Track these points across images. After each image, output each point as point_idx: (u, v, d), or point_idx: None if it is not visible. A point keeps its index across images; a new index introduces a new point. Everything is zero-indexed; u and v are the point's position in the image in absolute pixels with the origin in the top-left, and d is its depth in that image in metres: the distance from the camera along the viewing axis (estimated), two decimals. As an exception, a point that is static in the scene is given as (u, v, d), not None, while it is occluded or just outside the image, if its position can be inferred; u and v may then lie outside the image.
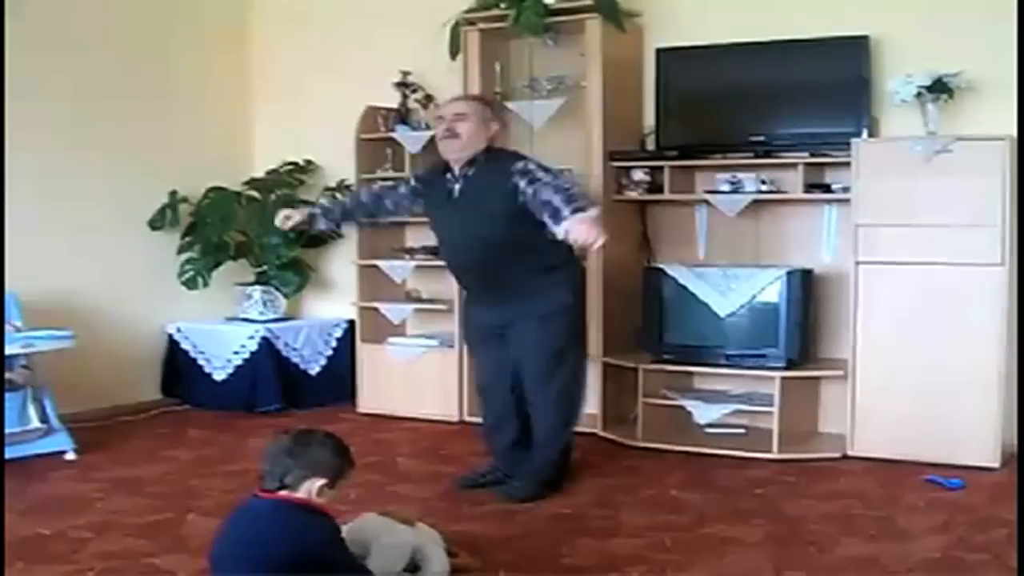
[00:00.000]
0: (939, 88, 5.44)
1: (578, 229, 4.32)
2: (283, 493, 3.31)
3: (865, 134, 5.67)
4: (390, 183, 5.60)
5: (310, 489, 3.33)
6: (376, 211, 5.51)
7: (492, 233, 4.82)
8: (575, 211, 4.44)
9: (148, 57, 7.25)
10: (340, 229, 6.32)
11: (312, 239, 7.34)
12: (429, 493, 5.09)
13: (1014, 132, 5.36)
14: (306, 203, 6.43)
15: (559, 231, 4.45)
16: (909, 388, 5.44)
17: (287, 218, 5.30)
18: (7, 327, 5.93)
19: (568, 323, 5.04)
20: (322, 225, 5.53)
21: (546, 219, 4.58)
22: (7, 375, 5.70)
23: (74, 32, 6.77)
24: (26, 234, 6.46)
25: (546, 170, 4.83)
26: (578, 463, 5.50)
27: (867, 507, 4.76)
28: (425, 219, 5.49)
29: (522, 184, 4.74)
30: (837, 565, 4.06)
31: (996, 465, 5.31)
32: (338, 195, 6.81)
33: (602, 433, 6.12)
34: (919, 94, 5.47)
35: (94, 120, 6.90)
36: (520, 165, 4.84)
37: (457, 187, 4.97)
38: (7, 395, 5.65)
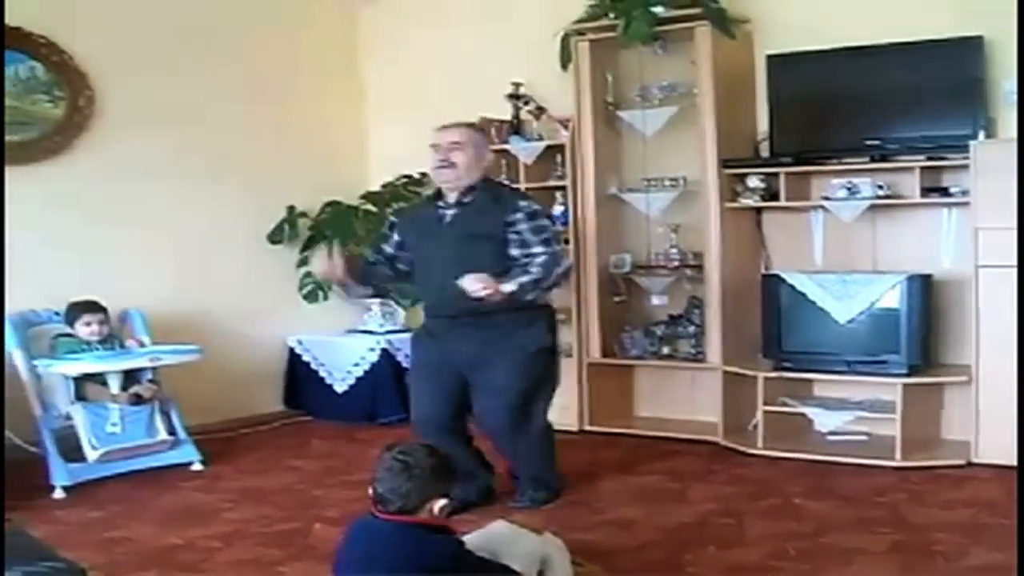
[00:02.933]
0: (1059, 87, 5.35)
1: (466, 284, 4.57)
2: (403, 516, 3.31)
3: (982, 135, 5.57)
4: (376, 249, 5.33)
5: (431, 509, 3.35)
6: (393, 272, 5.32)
7: (480, 261, 4.76)
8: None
9: (269, 78, 7.42)
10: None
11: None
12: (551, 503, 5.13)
13: None
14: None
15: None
16: (1034, 393, 5.34)
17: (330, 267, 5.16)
18: (133, 343, 6.10)
19: (545, 364, 5.09)
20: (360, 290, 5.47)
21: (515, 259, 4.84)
22: (135, 389, 5.86)
23: (203, 56, 7.00)
24: (153, 253, 6.70)
25: (534, 217, 4.94)
26: (698, 472, 5.52)
27: (995, 515, 4.67)
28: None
29: (524, 227, 4.87)
30: (966, 575, 4.01)
31: (1125, 470, 5.20)
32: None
33: (722, 441, 6.10)
34: (1037, 93, 5.39)
35: (213, 138, 7.07)
36: (526, 206, 4.94)
37: (450, 213, 4.98)
38: (135, 408, 5.82)
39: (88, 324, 5.91)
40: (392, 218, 5.42)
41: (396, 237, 5.20)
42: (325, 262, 5.24)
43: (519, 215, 4.88)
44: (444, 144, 4.95)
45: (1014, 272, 5.30)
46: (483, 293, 4.56)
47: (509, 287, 4.67)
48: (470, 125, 5.30)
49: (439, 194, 5.08)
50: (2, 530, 4.55)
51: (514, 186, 5.84)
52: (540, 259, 4.83)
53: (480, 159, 4.99)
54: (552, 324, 5.17)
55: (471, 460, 5.14)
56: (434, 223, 5.01)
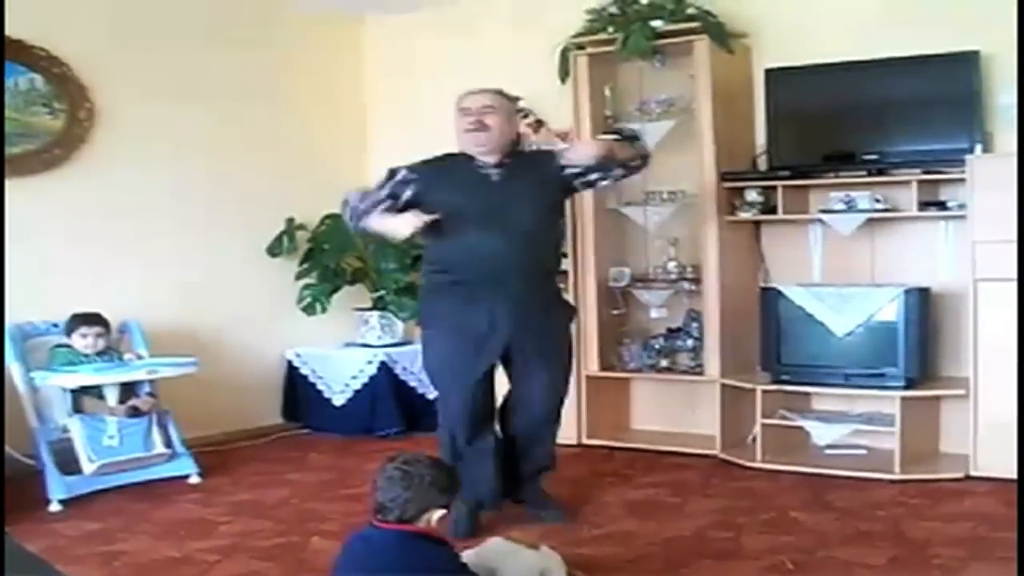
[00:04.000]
0: (1056, 101, 5.36)
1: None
2: (403, 525, 3.34)
3: (979, 149, 5.59)
4: (373, 195, 4.87)
5: (429, 519, 3.37)
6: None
7: (535, 222, 4.67)
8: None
9: (269, 91, 7.44)
10: None
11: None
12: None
13: None
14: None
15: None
16: (1033, 406, 5.34)
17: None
18: (131, 356, 6.10)
19: (568, 364, 5.02)
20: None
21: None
22: (133, 401, 5.86)
23: (203, 70, 7.03)
24: (151, 264, 6.70)
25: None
26: (696, 485, 5.51)
27: (994, 529, 4.67)
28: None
29: (567, 161, 4.80)
30: (965, 589, 4.01)
31: (1124, 483, 5.20)
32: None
33: (721, 454, 6.10)
34: (1034, 107, 5.41)
35: (212, 150, 7.10)
36: (559, 152, 4.89)
37: (495, 172, 4.73)
38: (132, 421, 5.80)
39: (85, 336, 5.90)
40: (406, 171, 4.85)
41: (409, 194, 4.75)
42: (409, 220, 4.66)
43: (558, 157, 4.84)
44: (475, 108, 4.73)
45: (1011, 285, 5.31)
46: (593, 147, 4.53)
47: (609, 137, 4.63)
48: (501, 91, 4.94)
49: (466, 156, 4.79)
50: (2, 537, 4.57)
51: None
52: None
53: (511, 124, 4.83)
54: (573, 317, 5.20)
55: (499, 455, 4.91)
56: (477, 183, 4.72)
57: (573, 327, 5.15)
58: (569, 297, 6.18)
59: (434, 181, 4.77)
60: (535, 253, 4.73)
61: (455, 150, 4.87)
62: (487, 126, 4.68)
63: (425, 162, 4.87)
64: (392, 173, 4.85)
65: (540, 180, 4.77)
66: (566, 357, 5.00)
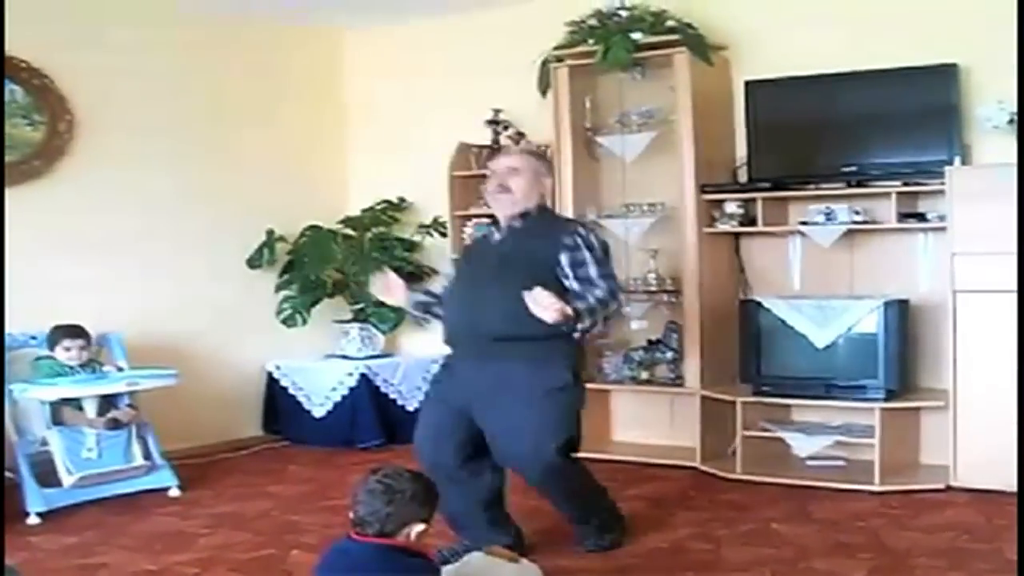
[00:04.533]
0: (1032, 114, 5.39)
1: (536, 296, 4.18)
2: (381, 538, 3.33)
3: (958, 162, 5.61)
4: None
5: (408, 534, 3.35)
6: None
7: (517, 284, 4.28)
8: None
9: (250, 102, 7.44)
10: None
11: (408, 275, 7.43)
12: (529, 528, 5.07)
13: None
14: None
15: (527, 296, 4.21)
16: (1011, 417, 5.32)
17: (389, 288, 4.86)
18: (111, 368, 6.08)
19: (559, 402, 4.52)
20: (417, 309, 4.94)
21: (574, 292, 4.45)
22: (113, 414, 5.83)
23: (183, 82, 7.04)
24: (131, 276, 6.69)
25: (592, 248, 4.54)
26: (677, 497, 5.51)
27: (974, 539, 4.69)
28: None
29: (564, 260, 4.49)
30: (945, 599, 4.02)
31: (1103, 495, 5.22)
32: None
33: (701, 466, 6.11)
34: (1012, 120, 5.42)
35: (194, 162, 7.10)
36: (570, 240, 4.52)
37: (497, 237, 4.72)
38: (112, 433, 5.78)
39: (68, 349, 5.87)
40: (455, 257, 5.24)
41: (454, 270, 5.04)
42: (384, 284, 4.91)
43: (578, 239, 4.53)
44: (500, 170, 4.71)
45: (990, 297, 5.34)
46: (548, 313, 4.16)
47: (576, 306, 4.30)
48: (531, 151, 5.10)
49: (495, 221, 4.88)
50: (2, 533, 4.56)
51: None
52: (599, 291, 4.43)
53: (538, 185, 4.70)
54: (572, 361, 4.61)
55: (483, 515, 4.67)
56: (483, 246, 4.88)
57: (566, 395, 4.58)
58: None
59: (463, 254, 5.21)
60: (509, 319, 4.36)
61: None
62: (510, 189, 4.64)
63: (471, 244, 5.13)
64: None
65: (535, 253, 4.53)
66: (544, 421, 4.48)
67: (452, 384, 4.64)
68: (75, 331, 5.94)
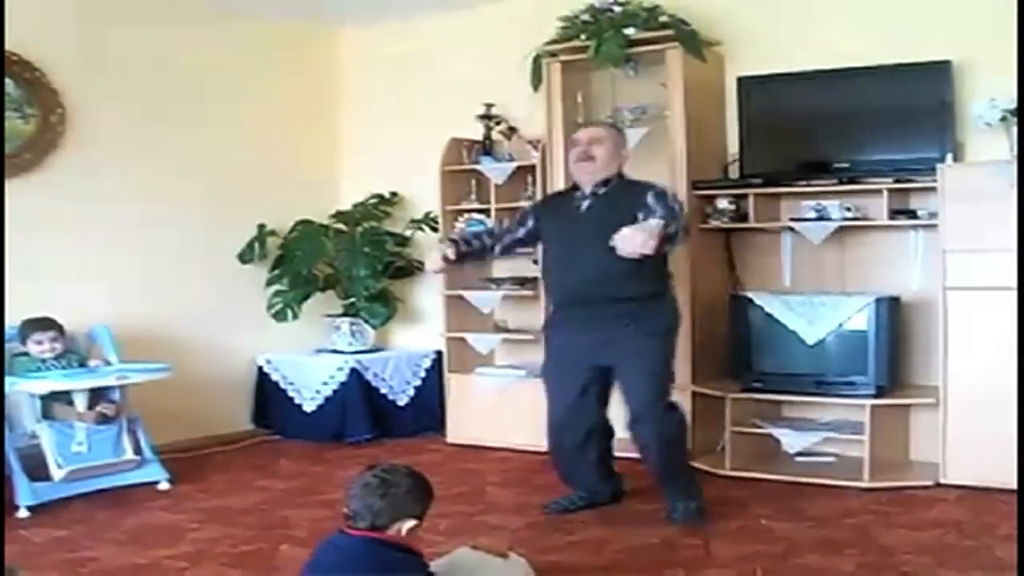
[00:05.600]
0: (1024, 111, 5.39)
1: (623, 236, 4.57)
2: (372, 532, 3.34)
3: (950, 159, 5.61)
4: (508, 228, 5.50)
5: (400, 528, 3.36)
6: (504, 250, 5.51)
7: (604, 250, 4.73)
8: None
9: (241, 97, 7.44)
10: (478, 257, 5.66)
11: (399, 270, 7.45)
12: (519, 523, 5.11)
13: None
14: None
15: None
16: (1001, 414, 5.33)
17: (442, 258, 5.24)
18: (97, 362, 6.06)
19: (668, 346, 5.08)
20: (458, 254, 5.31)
21: None
22: (100, 408, 5.82)
23: (175, 75, 7.03)
24: (122, 270, 6.68)
25: (661, 195, 4.95)
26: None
27: (962, 536, 4.69)
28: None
29: (650, 199, 4.89)
30: (933, 596, 4.02)
31: (1092, 492, 5.23)
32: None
33: (690, 462, 6.10)
34: (1004, 118, 5.41)
35: (185, 156, 7.08)
36: (648, 197, 4.93)
37: (586, 203, 5.09)
38: (101, 427, 5.78)
39: (39, 343, 5.85)
40: (531, 207, 5.57)
41: (531, 224, 5.34)
42: (435, 259, 5.29)
43: (648, 195, 4.93)
44: (584, 140, 5.12)
45: (981, 294, 5.34)
46: (638, 244, 4.53)
47: (654, 223, 4.64)
48: (612, 125, 5.53)
49: (575, 187, 5.22)
50: (3, 528, 4.55)
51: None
52: (661, 210, 4.83)
53: (617, 155, 5.13)
54: (676, 306, 5.21)
55: (606, 463, 5.38)
56: (572, 212, 5.13)
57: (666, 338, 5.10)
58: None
59: (547, 214, 5.33)
60: (609, 273, 4.84)
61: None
62: (593, 156, 5.08)
63: (547, 196, 5.73)
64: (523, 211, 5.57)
65: (621, 213, 4.86)
66: (655, 361, 5.01)
67: (576, 343, 5.09)
68: (45, 324, 5.91)
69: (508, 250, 5.52)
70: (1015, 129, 5.42)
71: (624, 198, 4.99)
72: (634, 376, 5.00)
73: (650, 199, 4.91)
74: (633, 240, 4.55)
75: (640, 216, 4.82)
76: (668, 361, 5.08)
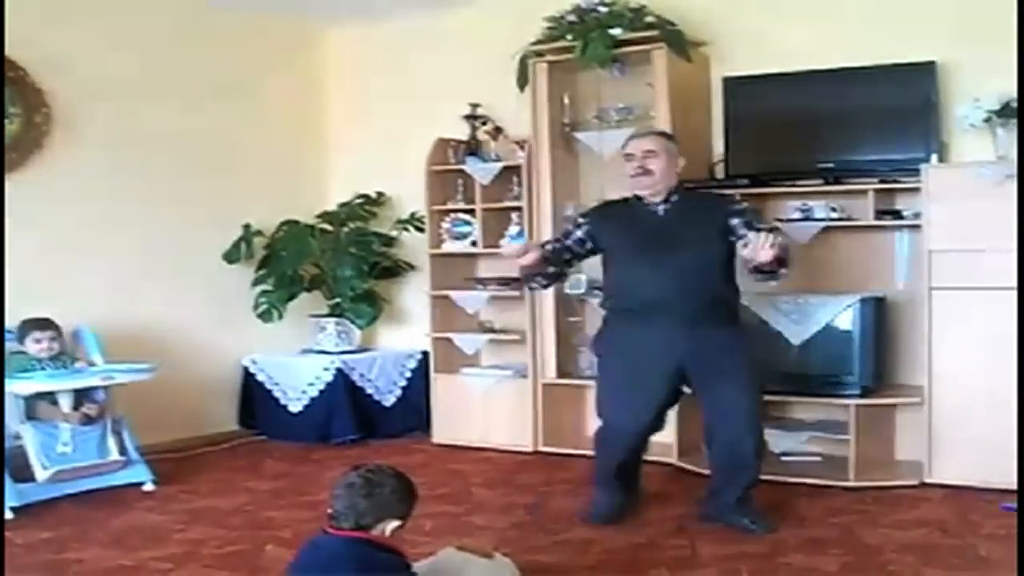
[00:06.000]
0: (1008, 112, 5.40)
1: (754, 241, 4.53)
2: (356, 532, 3.34)
3: (935, 159, 5.63)
4: (559, 241, 5.23)
5: (383, 529, 3.36)
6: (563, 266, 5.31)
7: (701, 256, 4.84)
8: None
9: (228, 98, 7.41)
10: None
11: (385, 270, 7.44)
12: (504, 523, 5.10)
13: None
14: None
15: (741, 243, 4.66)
16: (986, 414, 5.37)
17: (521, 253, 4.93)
18: (82, 362, 6.04)
19: (750, 353, 5.02)
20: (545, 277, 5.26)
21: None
22: (85, 409, 5.81)
23: (161, 75, 7.00)
24: (107, 270, 6.66)
25: (745, 210, 4.99)
26: (652, 492, 5.50)
27: (947, 536, 4.71)
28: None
29: (736, 222, 4.85)
30: (917, 595, 4.03)
31: (1075, 491, 5.25)
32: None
33: (677, 462, 6.12)
34: (988, 119, 5.44)
35: (172, 156, 7.06)
36: (734, 206, 4.98)
37: (662, 208, 4.96)
38: (86, 428, 5.77)
39: (38, 341, 5.84)
40: (580, 216, 5.31)
41: (580, 234, 5.11)
42: (519, 248, 5.00)
43: (732, 217, 4.88)
44: (638, 153, 4.96)
45: (966, 294, 5.35)
46: (767, 252, 4.51)
47: (774, 237, 4.58)
48: (661, 133, 5.28)
49: (637, 197, 5.03)
50: (2, 523, 4.53)
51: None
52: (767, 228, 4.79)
53: (674, 165, 4.99)
54: (744, 322, 5.25)
55: (638, 471, 5.29)
56: (644, 217, 4.98)
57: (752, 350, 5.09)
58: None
59: (603, 220, 5.12)
60: (700, 281, 4.84)
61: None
62: (650, 171, 4.92)
63: (597, 206, 5.39)
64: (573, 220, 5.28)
65: (705, 220, 4.90)
66: (747, 373, 4.94)
67: (652, 351, 4.85)
68: (44, 323, 5.91)
69: (561, 263, 5.20)
70: (1000, 130, 5.46)
71: (701, 209, 4.99)
72: (730, 388, 4.87)
73: (735, 221, 4.85)
74: (762, 247, 4.50)
75: (732, 224, 4.84)
76: (754, 369, 5.00)
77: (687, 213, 4.94)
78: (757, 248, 4.51)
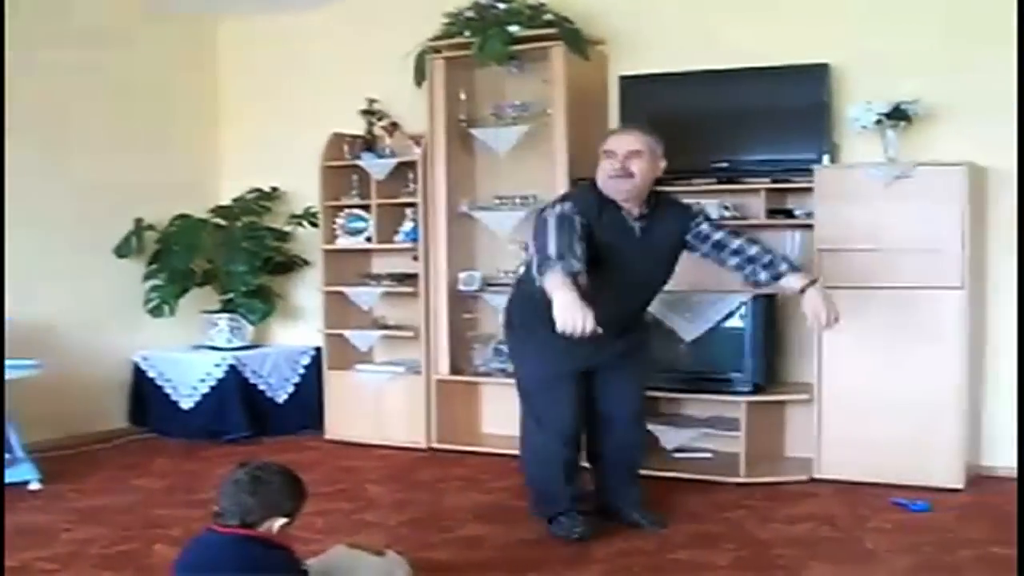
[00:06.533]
0: (898, 115, 5.52)
1: (816, 303, 4.48)
2: (242, 529, 3.30)
3: (826, 160, 5.73)
4: (575, 254, 4.28)
5: (270, 527, 3.33)
6: None
7: (660, 274, 4.76)
8: (793, 269, 4.61)
9: (113, 83, 7.25)
10: None
11: (279, 265, 7.38)
12: (397, 520, 5.08)
13: (971, 158, 5.47)
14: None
15: (783, 283, 4.58)
16: (873, 411, 5.48)
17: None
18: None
19: (650, 351, 5.12)
20: None
21: (731, 264, 4.70)
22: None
23: (49, 65, 6.80)
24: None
25: (710, 218, 4.85)
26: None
27: (834, 530, 4.79)
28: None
29: (705, 227, 4.68)
30: (805, 589, 4.08)
31: (961, 486, 5.37)
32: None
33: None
34: (879, 121, 5.55)
35: (60, 147, 6.92)
36: (699, 210, 4.80)
37: (638, 226, 4.58)
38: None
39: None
40: (569, 211, 4.39)
41: (581, 231, 4.34)
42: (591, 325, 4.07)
43: (700, 223, 4.69)
44: (621, 152, 4.51)
45: (854, 293, 5.42)
46: (828, 315, 4.50)
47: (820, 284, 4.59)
48: (647, 131, 4.70)
49: (610, 201, 4.57)
50: (2, 523, 4.40)
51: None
52: (753, 249, 4.64)
53: (655, 169, 4.58)
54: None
55: (570, 486, 4.84)
56: (621, 237, 4.55)
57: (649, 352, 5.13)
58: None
59: (595, 222, 4.48)
60: (648, 300, 4.89)
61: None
62: (632, 174, 4.49)
63: (580, 201, 4.53)
64: (561, 216, 4.38)
65: (671, 238, 4.70)
66: (643, 368, 4.99)
67: (576, 354, 4.52)
68: None
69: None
70: (890, 132, 5.58)
71: (668, 221, 4.66)
72: (626, 381, 4.85)
73: (705, 227, 4.67)
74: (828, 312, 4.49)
75: (690, 240, 4.68)
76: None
77: (656, 232, 4.61)
78: (830, 321, 4.53)
